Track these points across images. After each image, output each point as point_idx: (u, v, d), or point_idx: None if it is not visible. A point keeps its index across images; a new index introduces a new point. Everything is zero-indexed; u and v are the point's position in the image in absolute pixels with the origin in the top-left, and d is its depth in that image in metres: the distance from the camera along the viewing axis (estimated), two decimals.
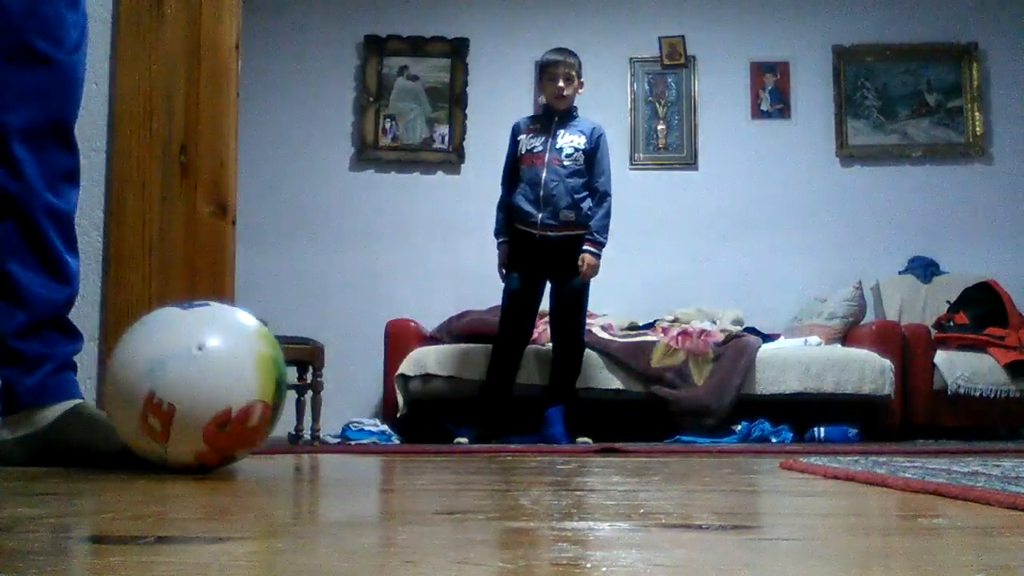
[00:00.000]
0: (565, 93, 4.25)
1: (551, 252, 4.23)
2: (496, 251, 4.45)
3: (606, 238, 4.26)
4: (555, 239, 4.22)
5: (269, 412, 1.55)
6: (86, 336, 2.34)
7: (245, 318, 1.63)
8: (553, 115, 4.30)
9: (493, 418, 4.24)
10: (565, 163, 4.23)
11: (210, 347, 1.51)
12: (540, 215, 4.21)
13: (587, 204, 4.24)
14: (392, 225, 5.83)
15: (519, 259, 4.29)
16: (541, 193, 4.21)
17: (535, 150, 4.26)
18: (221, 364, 1.51)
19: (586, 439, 4.07)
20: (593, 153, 4.27)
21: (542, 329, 5.01)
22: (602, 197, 4.27)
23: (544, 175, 4.22)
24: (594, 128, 4.33)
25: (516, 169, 4.32)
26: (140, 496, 1.21)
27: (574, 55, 4.39)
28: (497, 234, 4.42)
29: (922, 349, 4.91)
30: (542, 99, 4.42)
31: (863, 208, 5.86)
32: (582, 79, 4.37)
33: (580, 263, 4.19)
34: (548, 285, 4.40)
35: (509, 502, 1.15)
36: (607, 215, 4.26)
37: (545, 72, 4.32)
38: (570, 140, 4.25)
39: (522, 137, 4.31)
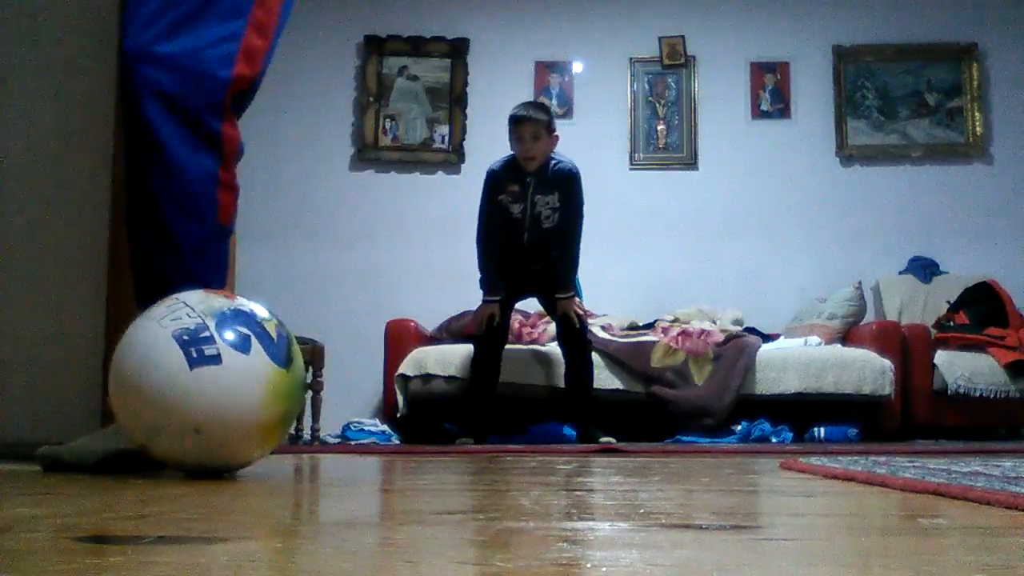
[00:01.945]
0: (532, 155, 4.08)
1: (532, 275, 4.27)
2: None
3: (575, 280, 4.28)
4: (536, 267, 4.26)
5: (275, 444, 1.57)
6: (87, 336, 2.34)
7: (257, 371, 1.41)
8: (529, 175, 4.14)
9: (479, 418, 4.22)
10: (544, 225, 4.18)
11: (208, 430, 1.39)
12: (521, 259, 4.24)
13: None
14: (392, 225, 5.83)
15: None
16: (524, 248, 4.21)
17: (514, 215, 4.17)
18: (222, 443, 1.43)
19: (609, 438, 3.97)
20: (566, 201, 4.19)
21: (541, 329, 5.01)
22: (572, 240, 4.22)
23: (526, 237, 4.20)
24: (568, 177, 4.18)
25: (494, 217, 4.20)
26: (140, 496, 1.21)
27: (543, 109, 4.23)
28: (489, 289, 4.21)
29: (922, 349, 4.91)
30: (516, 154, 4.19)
31: (863, 208, 5.86)
32: (555, 132, 4.18)
33: (563, 312, 4.14)
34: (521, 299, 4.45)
35: (509, 502, 1.15)
36: (575, 263, 4.24)
37: (513, 129, 4.12)
38: (547, 202, 4.17)
39: (502, 198, 4.17)
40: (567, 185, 4.18)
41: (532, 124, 4.07)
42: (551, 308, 4.29)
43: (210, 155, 1.68)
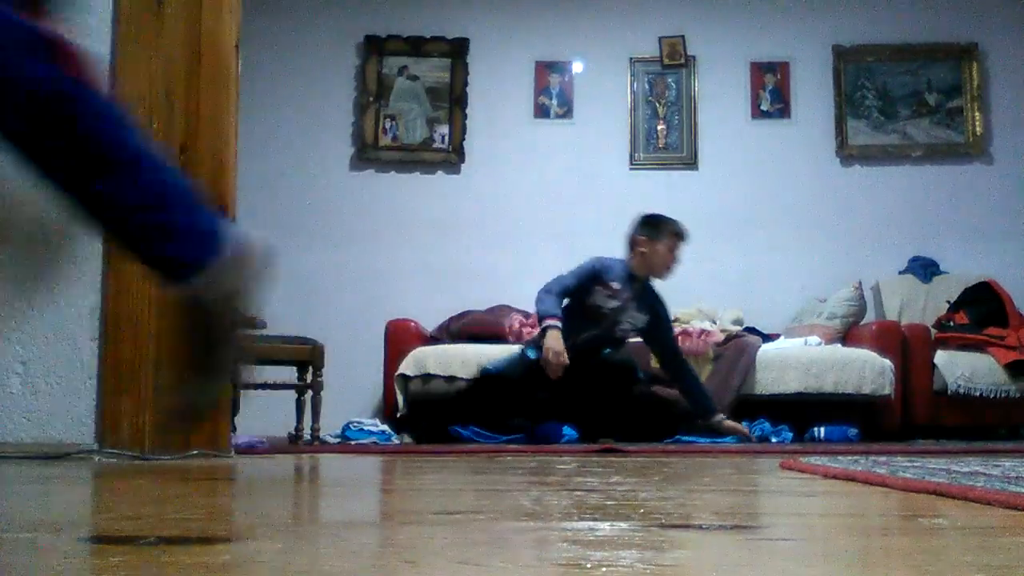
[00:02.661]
0: (673, 271, 4.15)
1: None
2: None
3: (712, 405, 4.21)
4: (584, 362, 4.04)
5: None
6: (86, 336, 2.34)
7: None
8: (637, 284, 4.08)
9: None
10: (617, 335, 4.12)
11: None
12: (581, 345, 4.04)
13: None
14: (392, 225, 5.83)
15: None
16: (577, 345, 3.97)
17: (601, 310, 4.04)
18: None
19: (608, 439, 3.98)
20: (657, 324, 4.15)
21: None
22: (688, 373, 4.22)
23: (592, 336, 4.03)
24: (656, 303, 4.18)
25: (577, 287, 4.04)
26: (140, 496, 1.21)
27: None
28: (550, 313, 3.93)
29: (922, 349, 4.91)
30: (638, 260, 4.10)
31: (863, 208, 5.85)
32: None
33: (720, 423, 4.15)
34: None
35: (509, 502, 1.15)
36: (702, 388, 4.24)
37: (674, 241, 4.12)
38: (633, 319, 4.11)
39: (599, 289, 4.03)
40: (660, 308, 4.18)
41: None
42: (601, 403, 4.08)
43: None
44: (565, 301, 4.11)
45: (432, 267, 5.74)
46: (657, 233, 4.12)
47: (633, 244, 4.15)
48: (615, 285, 4.05)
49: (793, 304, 5.50)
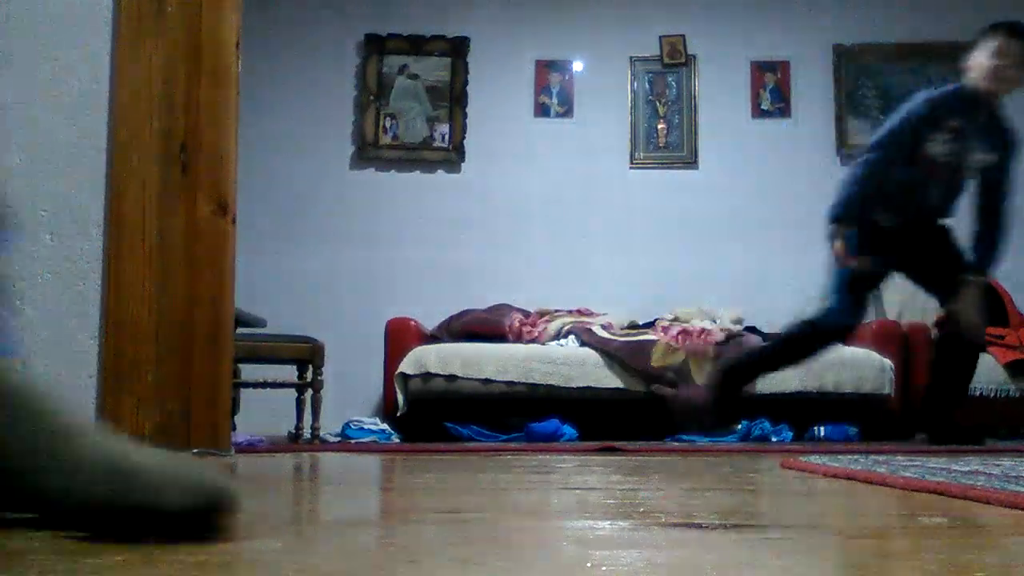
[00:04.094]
0: (1011, 80, 3.30)
1: (924, 239, 3.49)
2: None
3: (991, 267, 3.53)
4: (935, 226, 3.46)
5: None
6: (86, 335, 2.34)
7: None
8: (980, 106, 3.32)
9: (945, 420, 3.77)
10: (963, 183, 3.43)
11: None
12: (896, 220, 3.45)
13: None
14: (392, 224, 5.83)
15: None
16: (913, 204, 3.40)
17: (938, 159, 3.35)
18: None
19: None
20: (1004, 165, 3.38)
21: (541, 328, 5.01)
22: (995, 224, 3.43)
23: (929, 192, 3.40)
24: (1006, 137, 3.40)
25: (899, 152, 3.33)
26: None
27: None
28: (843, 218, 3.40)
29: (922, 349, 4.91)
30: (976, 76, 3.34)
31: None
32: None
33: (958, 297, 3.44)
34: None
35: (509, 501, 1.15)
36: (996, 247, 3.44)
37: (994, 43, 3.29)
38: (982, 159, 3.38)
39: (934, 136, 3.31)
40: (1012, 148, 3.39)
41: None
42: (938, 286, 3.55)
43: None
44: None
45: (432, 266, 5.74)
46: (980, 40, 3.35)
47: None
48: (953, 123, 3.32)
49: (793, 304, 5.49)
